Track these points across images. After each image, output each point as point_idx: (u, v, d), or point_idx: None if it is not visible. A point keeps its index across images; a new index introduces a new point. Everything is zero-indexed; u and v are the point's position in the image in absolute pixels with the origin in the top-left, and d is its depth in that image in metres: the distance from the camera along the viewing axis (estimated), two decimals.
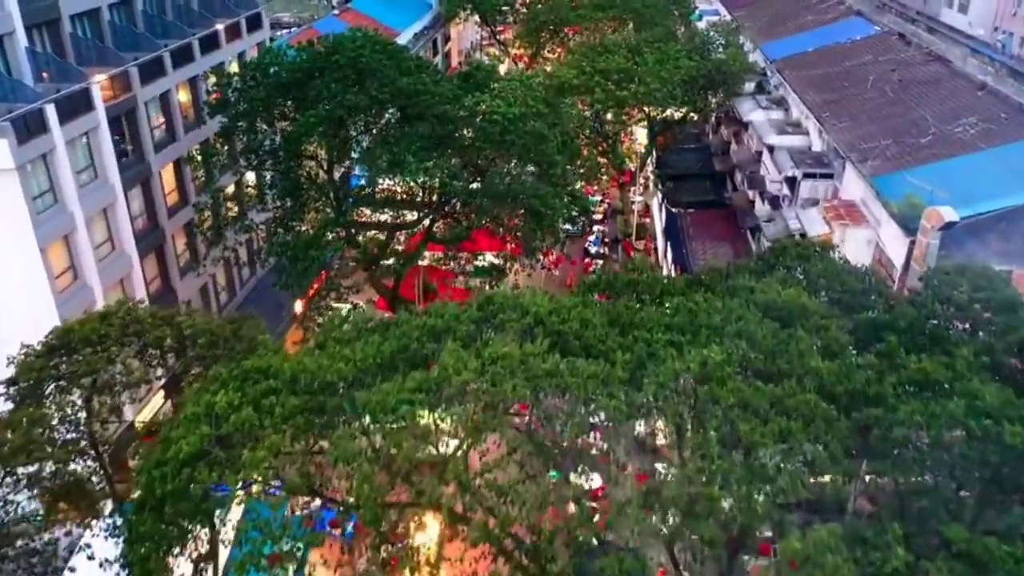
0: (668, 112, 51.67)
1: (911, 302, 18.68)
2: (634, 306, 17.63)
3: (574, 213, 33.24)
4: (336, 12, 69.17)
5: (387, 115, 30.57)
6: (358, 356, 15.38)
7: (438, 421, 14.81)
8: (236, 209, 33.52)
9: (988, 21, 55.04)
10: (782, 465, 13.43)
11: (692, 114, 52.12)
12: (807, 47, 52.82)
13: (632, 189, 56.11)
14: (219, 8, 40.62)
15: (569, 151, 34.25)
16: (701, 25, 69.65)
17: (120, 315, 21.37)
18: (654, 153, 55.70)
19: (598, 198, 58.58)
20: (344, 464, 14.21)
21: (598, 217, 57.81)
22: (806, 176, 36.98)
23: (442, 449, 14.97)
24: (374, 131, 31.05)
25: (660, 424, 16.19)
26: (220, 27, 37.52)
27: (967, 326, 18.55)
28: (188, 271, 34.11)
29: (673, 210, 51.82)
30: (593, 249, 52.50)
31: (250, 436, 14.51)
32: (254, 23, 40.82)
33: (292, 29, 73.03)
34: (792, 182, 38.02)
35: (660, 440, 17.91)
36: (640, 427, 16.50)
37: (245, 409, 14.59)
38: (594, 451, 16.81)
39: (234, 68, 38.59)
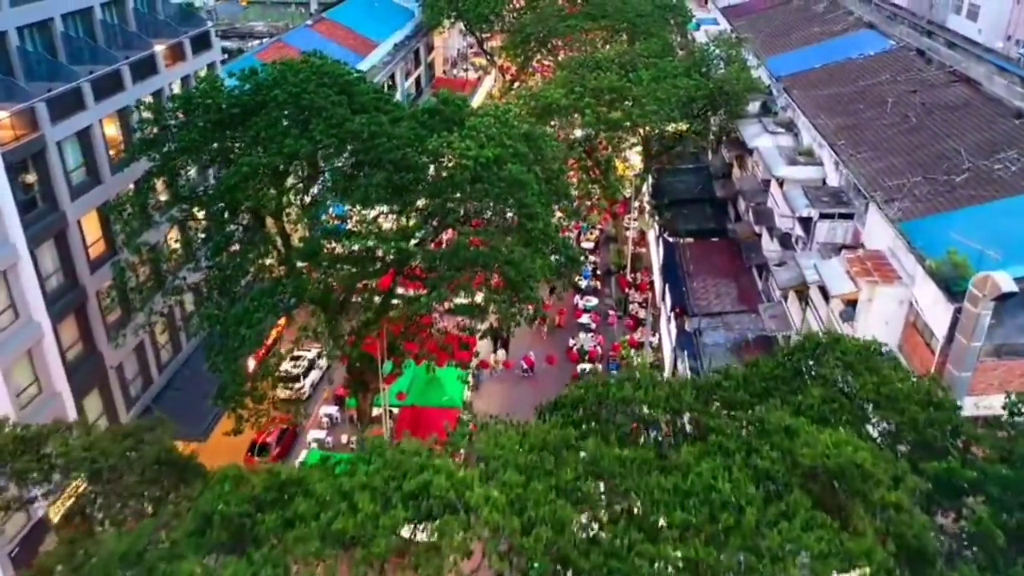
0: (666, 129, 47.29)
1: (1002, 455, 14.32)
2: (627, 469, 13.22)
3: (561, 265, 28.88)
4: (309, 23, 64.59)
5: (338, 162, 26.19)
6: None
7: None
8: (170, 263, 28.88)
9: (1000, 29, 51.25)
10: None
11: (693, 135, 47.74)
12: (815, 62, 48.57)
13: (627, 216, 51.75)
14: (161, 28, 36.09)
15: (555, 188, 29.92)
16: (699, 35, 65.45)
17: None
18: (649, 179, 51.39)
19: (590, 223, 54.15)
20: None
21: (589, 246, 53.45)
22: (823, 217, 32.67)
23: None
24: (320, 181, 26.76)
25: None
26: (158, 49, 33.02)
27: None
28: (119, 330, 29.63)
29: (670, 240, 47.53)
30: (584, 283, 48.15)
31: None
32: (201, 43, 36.33)
33: (264, 40, 68.41)
34: (806, 222, 33.70)
35: None
36: None
37: None
38: None
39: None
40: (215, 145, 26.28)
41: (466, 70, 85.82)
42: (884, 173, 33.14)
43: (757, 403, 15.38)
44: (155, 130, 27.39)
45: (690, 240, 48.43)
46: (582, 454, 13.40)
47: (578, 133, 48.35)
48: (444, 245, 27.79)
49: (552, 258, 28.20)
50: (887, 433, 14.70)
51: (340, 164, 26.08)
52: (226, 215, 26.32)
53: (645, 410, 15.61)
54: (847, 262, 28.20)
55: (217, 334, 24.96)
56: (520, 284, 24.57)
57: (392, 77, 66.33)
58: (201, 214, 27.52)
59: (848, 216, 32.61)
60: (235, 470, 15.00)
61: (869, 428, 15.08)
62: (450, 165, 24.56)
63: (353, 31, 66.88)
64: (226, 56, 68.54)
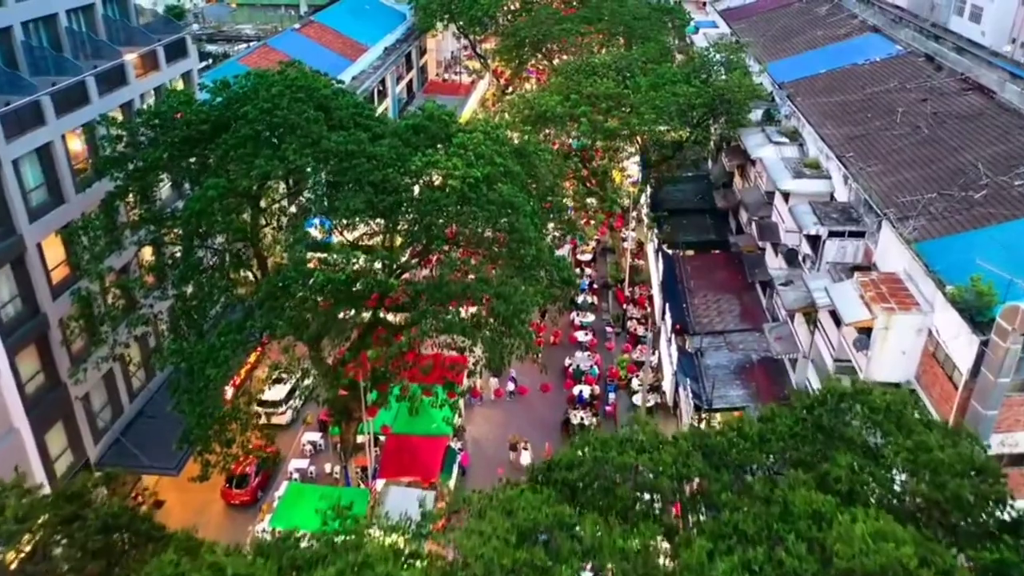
0: (665, 138, 45.46)
1: None
2: (632, 563, 11.41)
3: (554, 286, 26.98)
4: (296, 27, 62.64)
5: (314, 182, 24.34)
6: None
7: None
8: (136, 290, 26.85)
9: (1004, 31, 49.62)
10: None
11: (693, 144, 45.95)
12: (819, 68, 46.86)
13: (624, 227, 49.96)
14: (134, 35, 34.13)
15: (550, 203, 28.07)
16: (697, 38, 63.69)
17: None
18: (648, 189, 49.59)
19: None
20: None
21: (586, 258, 51.63)
22: (832, 235, 30.90)
23: None
24: (295, 203, 24.90)
25: None
26: (128, 58, 31.13)
27: None
28: (80, 362, 27.65)
29: (670, 252, 45.74)
30: (579, 298, 46.29)
31: None
32: (177, 50, 34.41)
33: (251, 44, 66.48)
34: (815, 240, 31.94)
35: None
36: None
37: None
38: None
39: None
40: (184, 164, 24.41)
41: (458, 73, 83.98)
42: (897, 188, 31.41)
43: (775, 465, 13.62)
44: (120, 147, 25.49)
45: (690, 252, 46.69)
46: (578, 543, 11.60)
47: (574, 143, 46.57)
48: (431, 267, 25.88)
49: (546, 280, 26.35)
50: (924, 507, 12.96)
51: (316, 186, 24.21)
52: (194, 240, 24.45)
53: (649, 476, 13.86)
54: (860, 286, 26.42)
55: (183, 371, 23.12)
56: (510, 319, 22.71)
57: (383, 82, 64.45)
58: (170, 237, 25.64)
59: (859, 234, 30.87)
60: (185, 544, 13.09)
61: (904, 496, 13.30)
62: (436, 185, 22.73)
63: (342, 35, 64.98)
64: (211, 61, 66.73)
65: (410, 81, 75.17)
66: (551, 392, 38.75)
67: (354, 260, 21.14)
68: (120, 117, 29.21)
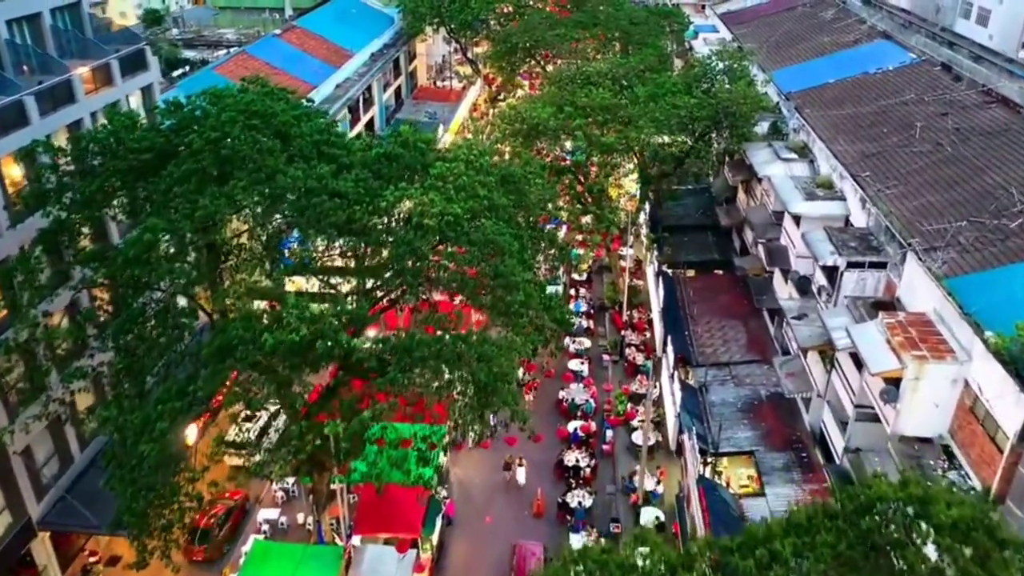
0: (665, 148, 42.72)
1: None
2: None
3: (548, 329, 24.21)
4: (278, 32, 59.74)
5: (269, 224, 21.49)
6: None
7: None
8: (72, 340, 23.64)
9: (1012, 35, 47.16)
10: None
11: (695, 158, 43.22)
12: (828, 77, 44.19)
13: (622, 246, 47.18)
14: (88, 48, 31.21)
15: (541, 235, 25.31)
16: (697, 43, 61.01)
17: None
18: (647, 206, 46.88)
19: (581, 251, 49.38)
20: None
21: (581, 278, 48.82)
22: (851, 266, 28.18)
23: None
24: (245, 247, 22.10)
25: None
26: (78, 72, 28.27)
27: None
28: (23, 408, 24.80)
29: (670, 275, 42.99)
30: (574, 323, 43.41)
31: None
32: (134, 63, 31.55)
33: (231, 50, 63.54)
34: (831, 270, 29.22)
35: None
36: None
37: None
38: None
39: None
40: (125, 198, 21.57)
41: (450, 78, 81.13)
42: (920, 213, 28.71)
43: None
44: (54, 177, 22.65)
45: (691, 273, 43.97)
46: None
47: (568, 156, 43.82)
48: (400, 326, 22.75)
49: (538, 323, 23.52)
50: None
51: (271, 227, 21.39)
52: (131, 288, 21.59)
53: None
54: (887, 328, 23.68)
55: (116, 441, 20.26)
56: (494, 387, 19.85)
57: (368, 89, 61.60)
58: (107, 282, 22.74)
59: (880, 265, 28.15)
60: None
61: None
62: (406, 228, 19.92)
63: (326, 40, 62.11)
64: (188, 68, 63.95)
65: (399, 87, 72.32)
66: (543, 432, 35.89)
67: (311, 316, 18.28)
68: (66, 140, 26.32)
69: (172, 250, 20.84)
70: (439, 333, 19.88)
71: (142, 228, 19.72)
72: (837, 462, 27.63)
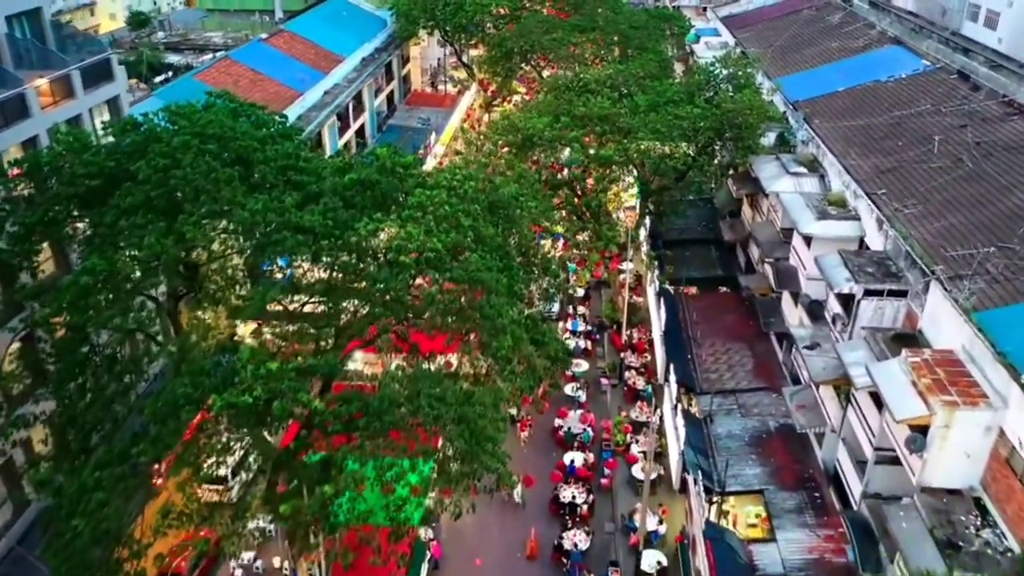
0: (666, 160, 40.60)
1: None
2: None
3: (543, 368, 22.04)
4: (264, 36, 57.63)
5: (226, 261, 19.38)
6: None
7: None
8: (10, 386, 21.31)
9: (1022, 38, 45.11)
10: None
11: (699, 170, 41.15)
12: (838, 85, 42.11)
13: (623, 257, 45.10)
14: (50, 59, 29.06)
15: (533, 263, 23.26)
16: (698, 48, 58.93)
17: None
18: (647, 221, 44.80)
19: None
20: None
21: (579, 294, 46.69)
22: (868, 293, 26.10)
23: None
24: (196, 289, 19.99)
25: None
26: (34, 85, 26.17)
27: None
28: None
29: (671, 290, 40.91)
30: (572, 343, 41.32)
31: None
32: (98, 74, 29.45)
33: (216, 54, 61.43)
34: (847, 298, 27.15)
35: None
36: None
37: None
38: None
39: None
40: (70, 230, 19.45)
41: (444, 82, 79.05)
42: (943, 237, 26.62)
43: None
44: None
45: (693, 290, 41.88)
46: None
47: (565, 165, 41.71)
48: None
49: (531, 360, 21.40)
50: None
51: (227, 266, 19.23)
52: (72, 332, 19.48)
53: None
54: (912, 368, 21.61)
55: (53, 506, 18.09)
56: (475, 451, 17.67)
57: (358, 96, 59.52)
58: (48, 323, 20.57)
59: (900, 293, 26.07)
60: None
61: None
62: (380, 266, 17.77)
63: (315, 44, 59.95)
64: (171, 74, 61.80)
65: (391, 93, 70.24)
66: (533, 464, 33.83)
67: (268, 372, 16.10)
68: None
69: (114, 293, 18.50)
70: (416, 387, 17.68)
71: (79, 270, 17.61)
72: (855, 507, 25.57)
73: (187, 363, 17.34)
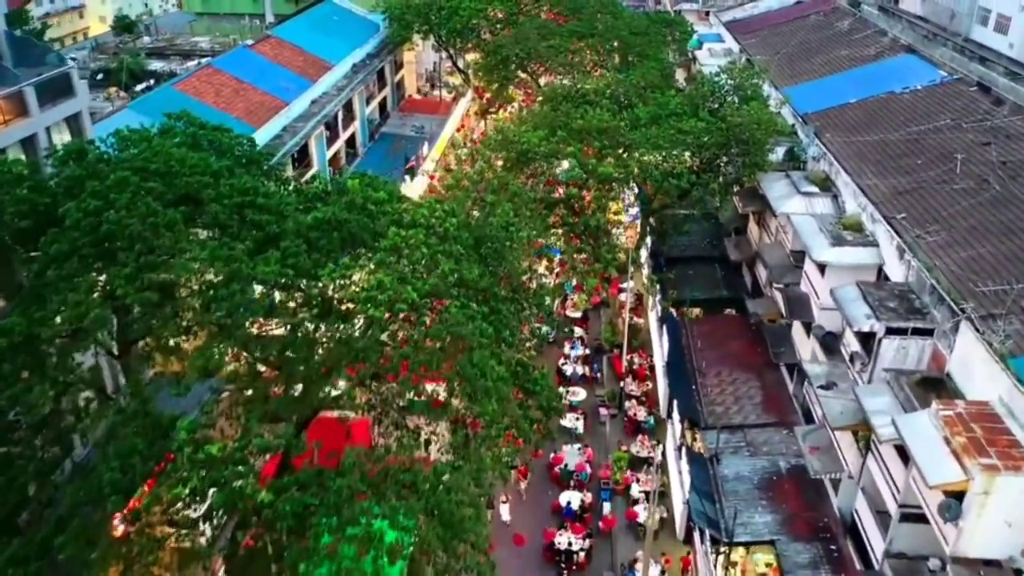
0: (669, 176, 38.44)
1: None
2: None
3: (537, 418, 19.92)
4: (249, 43, 55.42)
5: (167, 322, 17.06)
6: None
7: None
8: None
9: None
10: None
11: (704, 187, 38.96)
12: (849, 96, 39.95)
13: (623, 277, 42.90)
14: (7, 74, 26.85)
15: (523, 301, 21.12)
16: (701, 54, 56.76)
17: None
18: (648, 240, 42.64)
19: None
20: None
21: (577, 315, 44.53)
22: (891, 332, 23.92)
23: None
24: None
25: None
26: None
27: None
28: None
29: (675, 314, 38.74)
30: (569, 369, 39.15)
31: None
32: (57, 89, 27.32)
33: (202, 60, 59.14)
34: (866, 336, 24.98)
35: None
36: None
37: None
38: None
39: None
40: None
41: (439, 88, 76.81)
42: (971, 269, 24.48)
43: None
44: None
45: (696, 311, 39.69)
46: None
47: (562, 177, 39.51)
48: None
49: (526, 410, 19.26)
50: None
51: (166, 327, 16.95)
52: None
53: None
54: (943, 422, 19.44)
55: None
56: (452, 547, 15.46)
57: (349, 104, 57.32)
58: None
59: (926, 331, 23.90)
60: None
61: None
62: (345, 320, 15.63)
63: (303, 51, 57.76)
64: (153, 82, 59.44)
65: (383, 100, 68.04)
66: (527, 504, 31.69)
67: (207, 458, 13.91)
68: None
69: (33, 358, 16.01)
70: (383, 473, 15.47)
71: None
72: (876, 567, 23.40)
73: (114, 443, 15.08)
